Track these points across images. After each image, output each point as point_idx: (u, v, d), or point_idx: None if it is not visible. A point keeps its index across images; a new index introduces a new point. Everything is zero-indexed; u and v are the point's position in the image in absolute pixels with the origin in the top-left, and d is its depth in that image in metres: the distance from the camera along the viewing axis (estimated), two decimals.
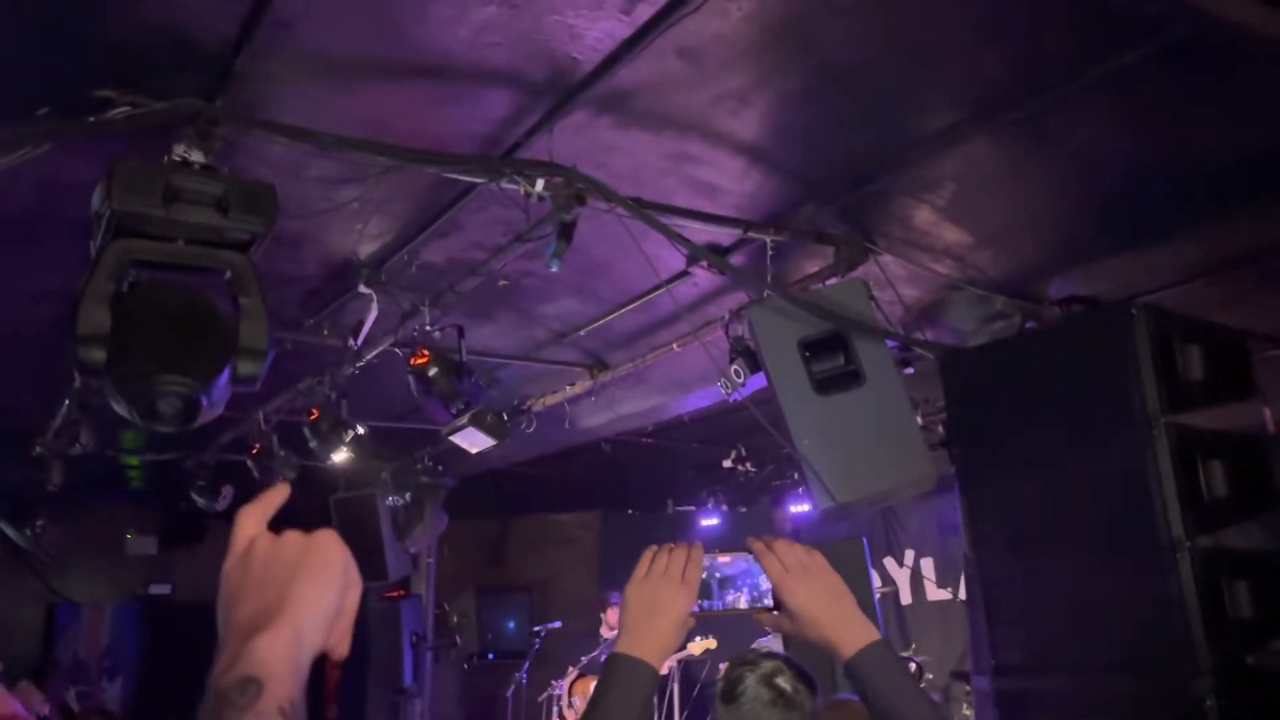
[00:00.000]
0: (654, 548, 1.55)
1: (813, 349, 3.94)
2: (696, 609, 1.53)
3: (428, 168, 3.28)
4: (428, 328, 4.69)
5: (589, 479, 9.31)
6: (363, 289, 4.65)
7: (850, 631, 1.53)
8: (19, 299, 4.65)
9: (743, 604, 1.56)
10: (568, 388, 6.12)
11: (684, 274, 4.51)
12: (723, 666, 2.61)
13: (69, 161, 3.18)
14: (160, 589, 11.18)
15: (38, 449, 6.83)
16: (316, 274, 4.84)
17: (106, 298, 2.84)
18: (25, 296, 4.64)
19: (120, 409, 2.92)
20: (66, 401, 5.44)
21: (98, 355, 2.81)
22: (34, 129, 2.80)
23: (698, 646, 6.92)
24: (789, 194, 3.93)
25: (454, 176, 3.53)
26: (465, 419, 5.83)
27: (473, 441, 6.15)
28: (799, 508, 7.34)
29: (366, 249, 4.59)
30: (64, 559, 9.82)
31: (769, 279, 4.07)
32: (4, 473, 7.10)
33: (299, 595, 0.85)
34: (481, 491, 8.84)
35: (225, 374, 2.97)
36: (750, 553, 1.56)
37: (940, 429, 5.84)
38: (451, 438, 6.26)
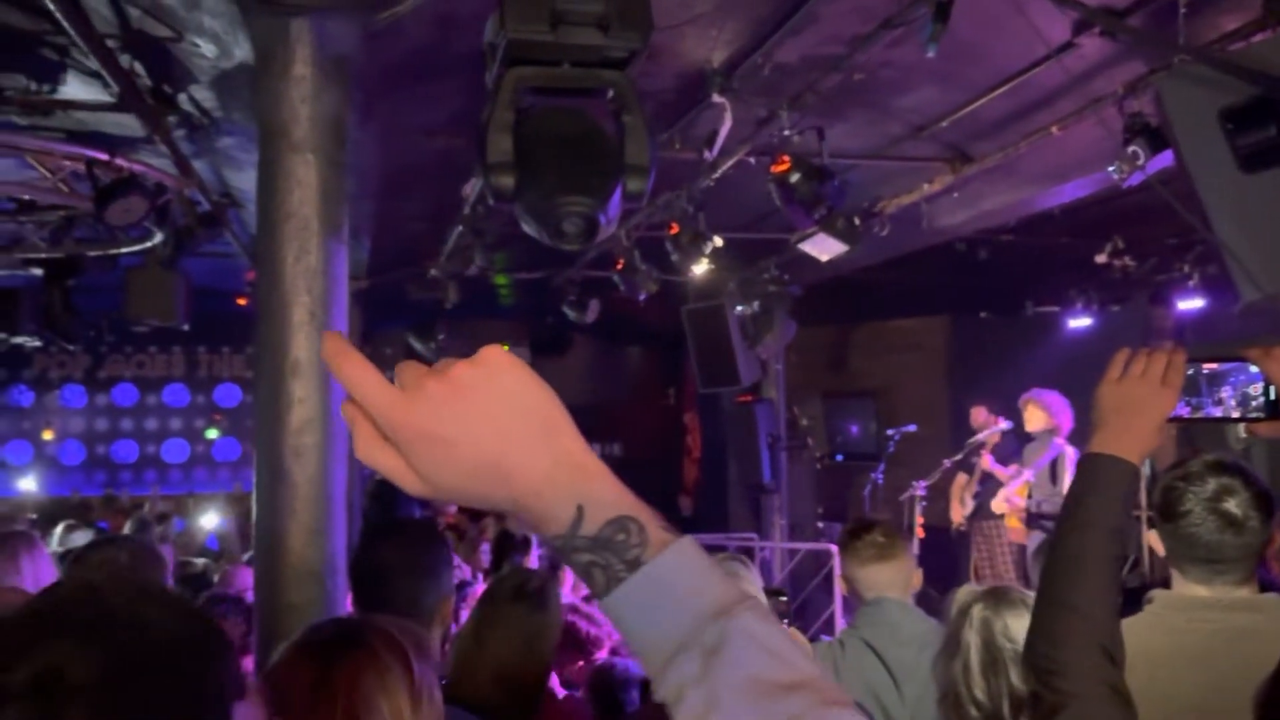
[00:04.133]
0: (1126, 350, 1.45)
1: (1236, 119, 3.40)
2: (1185, 412, 1.42)
3: None
4: (785, 132, 4.60)
5: (935, 281, 8.97)
6: (716, 98, 4.63)
7: None
8: (414, 135, 5.11)
9: (1232, 404, 1.43)
10: (925, 185, 5.82)
11: (1069, 45, 4.04)
12: None
13: None
14: None
15: (432, 271, 7.69)
16: (671, 87, 4.86)
17: (508, 126, 3.02)
18: (419, 132, 5.08)
19: (529, 230, 3.13)
20: (459, 227, 6.00)
21: (507, 181, 3.01)
22: None
23: None
24: None
25: None
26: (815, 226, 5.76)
27: (823, 249, 6.07)
28: (1188, 304, 6.63)
29: (719, 56, 4.53)
30: None
31: (1181, 41, 3.54)
32: (408, 293, 8.07)
33: (564, 422, 0.73)
34: (823, 297, 8.83)
35: (617, 192, 3.09)
36: (1242, 360, 1.42)
37: None
38: (801, 246, 6.22)
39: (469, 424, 0.70)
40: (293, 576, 2.55)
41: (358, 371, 0.71)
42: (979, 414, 7.64)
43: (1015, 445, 7.24)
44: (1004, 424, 7.35)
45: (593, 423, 13.60)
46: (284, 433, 2.64)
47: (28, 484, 11.14)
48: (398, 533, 2.39)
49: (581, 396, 13.26)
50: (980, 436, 7.41)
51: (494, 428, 0.70)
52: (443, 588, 2.25)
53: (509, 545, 8.36)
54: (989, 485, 7.29)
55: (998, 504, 7.10)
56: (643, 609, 0.68)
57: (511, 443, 0.70)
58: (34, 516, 7.91)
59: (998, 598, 2.07)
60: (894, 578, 2.83)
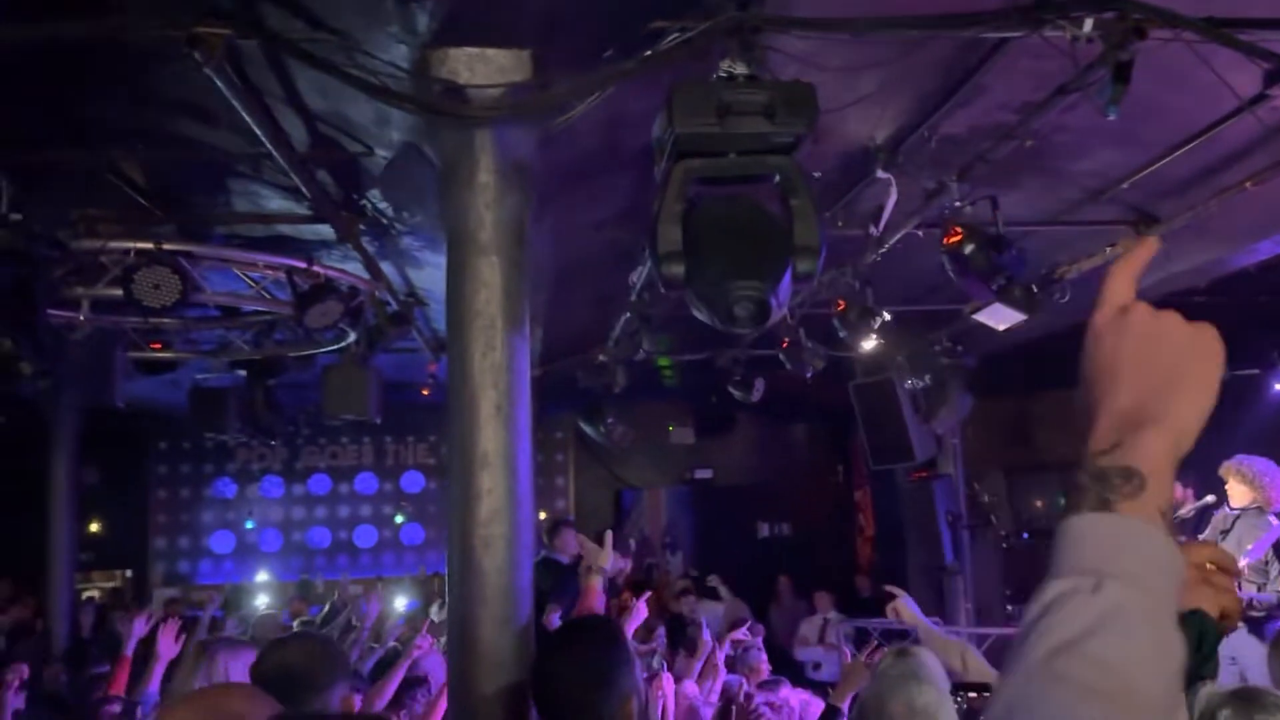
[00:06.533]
0: None
1: None
2: None
3: (964, 32, 3.09)
4: (956, 203, 4.51)
5: None
6: (881, 174, 4.60)
7: None
8: (584, 230, 5.29)
9: None
10: (1107, 249, 5.56)
11: (1261, 97, 3.81)
12: None
13: (626, 97, 3.47)
14: (703, 474, 12.50)
15: (600, 357, 7.87)
16: (834, 166, 4.86)
17: (677, 217, 3.09)
18: (588, 227, 5.26)
19: (700, 316, 3.18)
20: (626, 314, 6.13)
21: (678, 269, 3.07)
22: (603, 73, 3.09)
23: None
24: None
25: (985, 36, 3.29)
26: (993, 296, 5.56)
27: (1000, 318, 5.86)
28: None
29: (883, 133, 4.51)
30: (624, 450, 11.29)
31: None
32: (577, 379, 8.27)
33: (1185, 401, 0.82)
34: (1001, 368, 8.47)
35: (788, 274, 3.09)
36: None
37: None
38: (976, 316, 6.03)
39: (1147, 345, 0.85)
40: (485, 667, 2.60)
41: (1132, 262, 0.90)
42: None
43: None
44: (1209, 498, 6.76)
45: (760, 502, 13.45)
46: (473, 524, 2.73)
47: (262, 575, 11.92)
48: (573, 641, 2.46)
49: (748, 475, 13.11)
50: (1181, 513, 6.83)
51: (1141, 360, 0.84)
52: (622, 691, 2.27)
53: (681, 628, 8.29)
54: None
55: None
56: (1072, 540, 0.78)
57: (1133, 372, 0.84)
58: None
59: (1249, 701, 1.89)
60: None
